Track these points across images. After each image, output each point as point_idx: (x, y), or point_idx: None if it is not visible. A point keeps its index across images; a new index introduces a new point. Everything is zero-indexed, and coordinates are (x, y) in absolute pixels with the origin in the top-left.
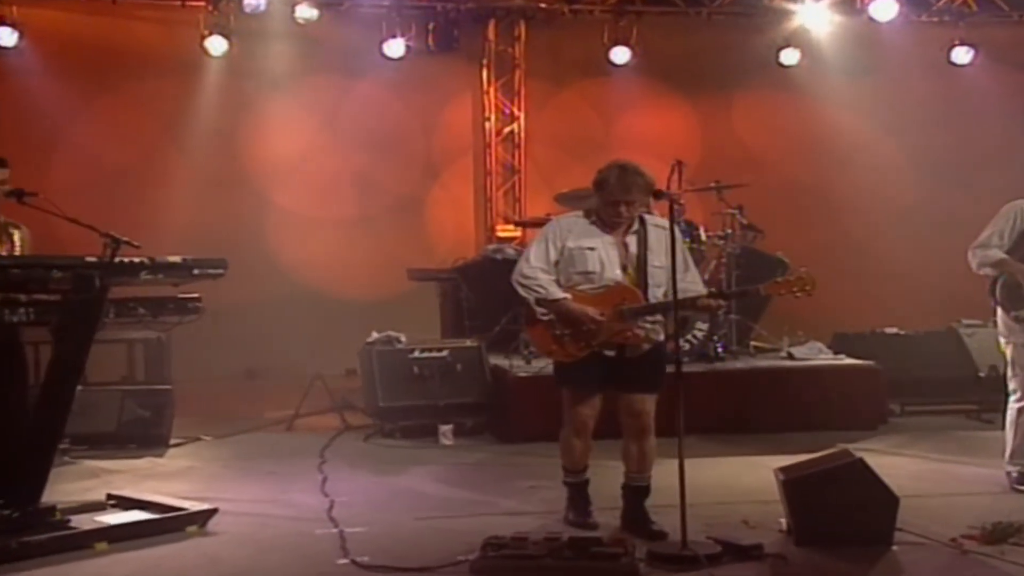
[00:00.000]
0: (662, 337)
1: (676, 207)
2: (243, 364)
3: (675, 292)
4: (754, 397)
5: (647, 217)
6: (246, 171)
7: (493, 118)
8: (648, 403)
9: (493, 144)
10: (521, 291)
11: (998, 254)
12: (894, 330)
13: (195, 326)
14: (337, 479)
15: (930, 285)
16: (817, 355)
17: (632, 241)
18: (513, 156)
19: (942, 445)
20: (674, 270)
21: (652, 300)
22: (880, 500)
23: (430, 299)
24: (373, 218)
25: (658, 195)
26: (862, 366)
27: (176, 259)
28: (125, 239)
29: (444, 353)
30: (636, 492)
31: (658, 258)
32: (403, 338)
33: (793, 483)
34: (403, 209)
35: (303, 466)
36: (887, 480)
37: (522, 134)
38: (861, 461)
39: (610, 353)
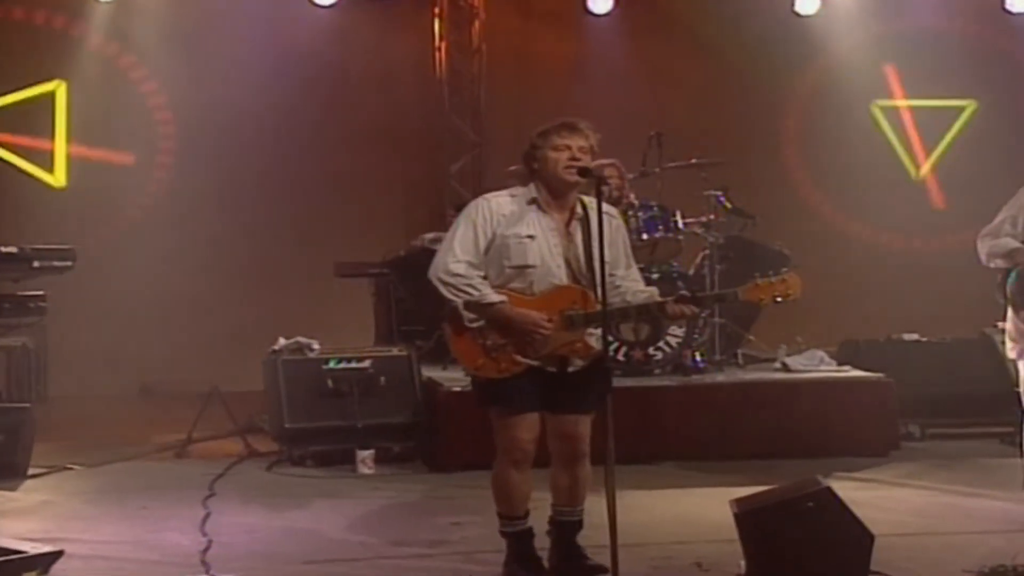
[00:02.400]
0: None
1: (606, 187)
2: (136, 379)
3: (603, 293)
4: (739, 417)
5: (590, 201)
6: None
7: (446, 80)
8: (584, 425)
9: (446, 111)
10: (444, 291)
11: (1011, 243)
12: (914, 337)
13: (79, 334)
14: (222, 516)
15: (959, 283)
16: (817, 366)
17: (576, 229)
18: (471, 126)
19: (961, 475)
20: (603, 266)
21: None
22: (851, 537)
23: (363, 300)
24: (296, 200)
25: (583, 173)
26: (871, 379)
27: (11, 249)
28: None
29: (366, 364)
30: (567, 528)
31: (605, 252)
32: (316, 345)
33: (747, 516)
34: (334, 189)
35: (185, 500)
36: (883, 514)
37: (481, 99)
38: (829, 491)
39: (551, 368)
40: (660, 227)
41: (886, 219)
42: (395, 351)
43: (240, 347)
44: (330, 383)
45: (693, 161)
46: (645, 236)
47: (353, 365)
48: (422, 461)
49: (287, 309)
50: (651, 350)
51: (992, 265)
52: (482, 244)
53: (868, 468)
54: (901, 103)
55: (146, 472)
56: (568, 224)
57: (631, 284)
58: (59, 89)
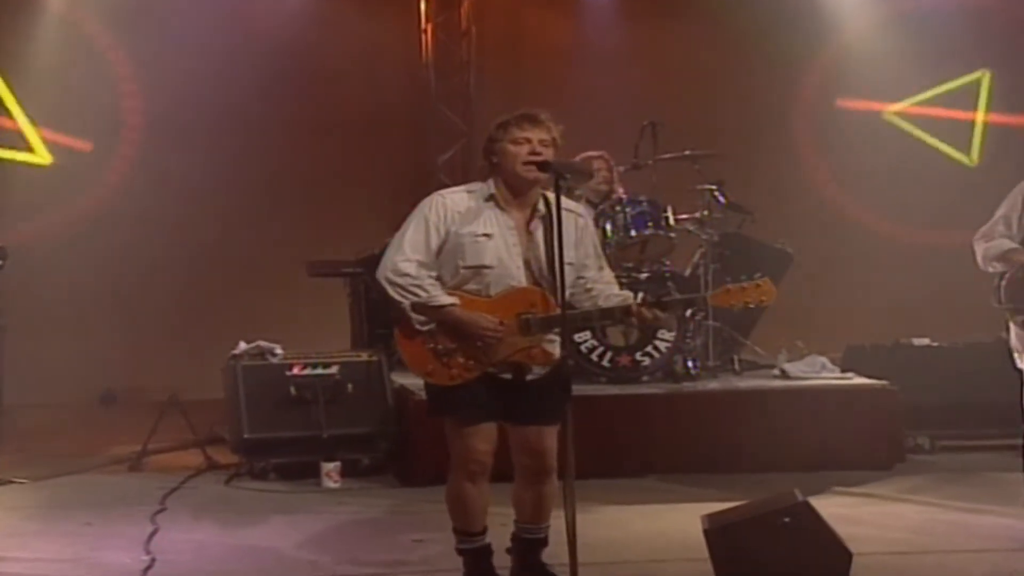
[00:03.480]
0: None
1: (564, 182)
2: (97, 386)
3: (562, 294)
4: (732, 427)
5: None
6: None
7: (433, 64)
8: (550, 438)
9: (433, 98)
10: (392, 292)
11: (1006, 243)
12: (924, 341)
13: (35, 338)
14: (171, 533)
15: (972, 284)
16: (818, 372)
17: (538, 228)
18: (459, 114)
19: (968, 490)
20: (562, 267)
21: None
22: (827, 555)
23: (341, 301)
24: (270, 193)
25: (543, 167)
26: (874, 387)
27: None
28: None
29: (332, 370)
30: (531, 546)
31: (568, 251)
32: (278, 350)
33: (718, 532)
34: (310, 182)
35: (133, 516)
36: (877, 531)
37: (471, 86)
38: (805, 505)
39: (507, 376)
40: (650, 223)
41: (902, 213)
42: (364, 356)
43: (208, 351)
44: (293, 390)
45: (686, 152)
46: (634, 233)
47: (319, 371)
48: (394, 474)
49: (259, 311)
50: (639, 355)
51: (989, 269)
52: (434, 243)
53: (869, 482)
54: (918, 98)
55: (96, 486)
56: (529, 222)
57: (603, 287)
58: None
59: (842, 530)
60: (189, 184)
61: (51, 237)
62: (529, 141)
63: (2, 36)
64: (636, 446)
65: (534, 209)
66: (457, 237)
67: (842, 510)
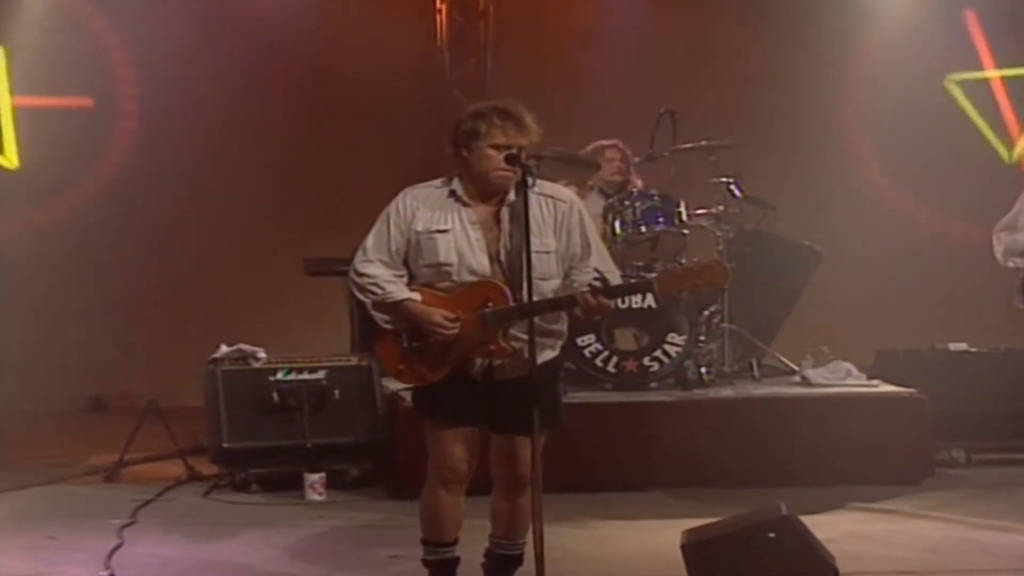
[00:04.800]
0: (555, 353)
1: (532, 177)
2: (86, 392)
3: (529, 289)
4: (746, 438)
5: (533, 184)
6: None
7: (447, 47)
8: (525, 448)
9: (447, 83)
10: (355, 291)
11: None
12: (962, 346)
13: (23, 341)
14: (136, 547)
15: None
16: (843, 380)
17: (506, 216)
18: (476, 99)
19: (995, 506)
20: (528, 259)
21: (536, 298)
22: (809, 573)
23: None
24: (269, 184)
25: (510, 159)
26: (902, 395)
27: None
28: None
29: (319, 375)
30: (504, 563)
31: (543, 240)
32: (261, 353)
33: (694, 548)
34: (313, 172)
35: (100, 530)
36: (889, 550)
37: (488, 70)
38: (790, 520)
39: (476, 376)
40: (660, 219)
41: (943, 208)
42: (355, 360)
43: (205, 356)
44: (276, 397)
45: (703, 143)
46: (644, 229)
47: (304, 376)
48: (383, 487)
49: (258, 312)
50: (647, 360)
51: (1010, 264)
52: (396, 241)
53: (892, 498)
54: (985, 74)
55: (67, 497)
56: (496, 214)
57: (580, 277)
58: None
59: (850, 547)
60: (185, 178)
61: (35, 234)
62: (509, 148)
63: None
64: (642, 458)
65: (502, 200)
66: (416, 235)
67: (855, 526)
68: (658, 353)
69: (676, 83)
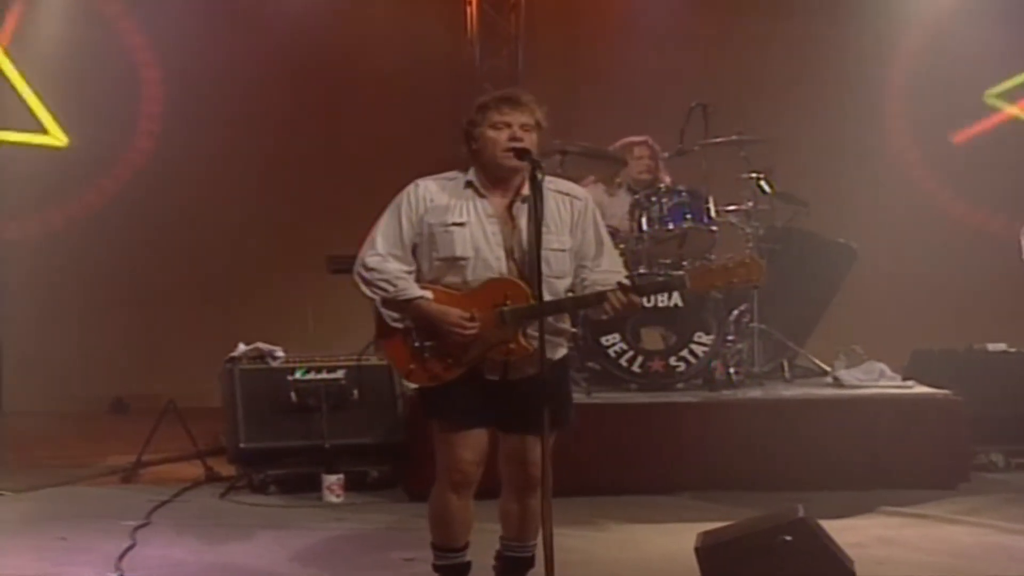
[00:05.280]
0: (566, 351)
1: (541, 172)
2: (108, 392)
3: (539, 284)
4: (774, 440)
5: (547, 179)
6: None
7: (478, 39)
8: (536, 448)
9: (478, 75)
10: (364, 288)
11: None
12: (1001, 347)
13: (45, 339)
14: (148, 548)
15: None
16: (875, 380)
17: (521, 212)
18: None
19: None
20: (538, 257)
21: (549, 298)
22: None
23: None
24: (298, 184)
25: (521, 155)
26: (936, 397)
27: None
28: None
29: (338, 375)
30: (515, 565)
31: (559, 237)
32: (279, 352)
33: (709, 551)
34: (340, 168)
35: (112, 531)
36: (916, 555)
37: (519, 62)
38: (805, 522)
39: (492, 376)
40: (688, 215)
41: (986, 203)
42: (374, 360)
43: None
44: (293, 396)
45: (733, 137)
46: (671, 226)
47: (323, 376)
48: (403, 488)
49: (284, 310)
50: (673, 360)
51: None
52: (408, 235)
53: (925, 502)
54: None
55: (82, 498)
56: (511, 207)
57: (597, 276)
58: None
59: (878, 552)
60: (209, 173)
61: (55, 235)
62: (509, 126)
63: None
64: (667, 460)
65: (517, 194)
66: (430, 227)
67: (884, 531)
68: (685, 353)
69: (708, 77)
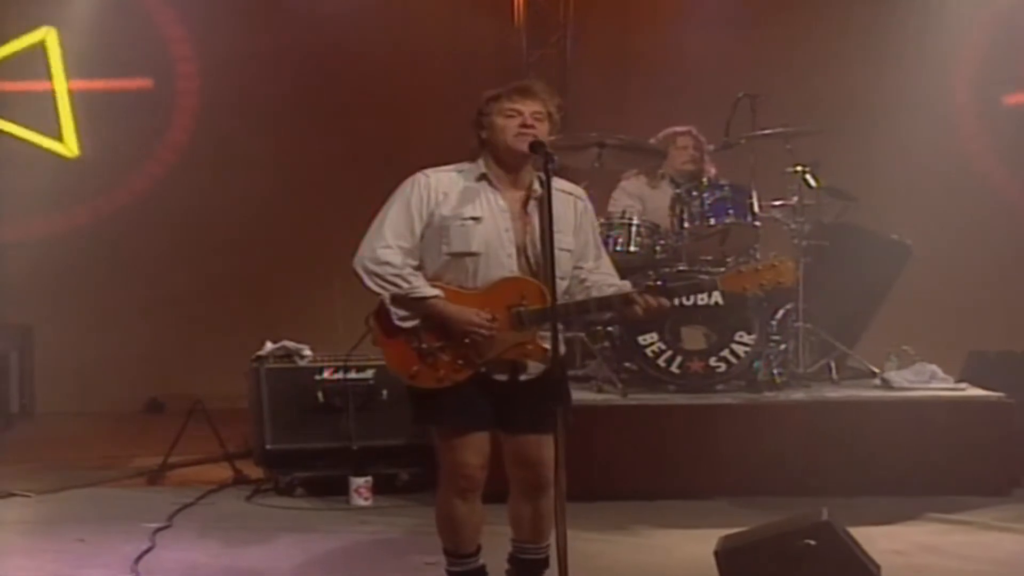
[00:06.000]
0: (564, 349)
1: (553, 164)
2: (144, 393)
3: (553, 283)
4: (817, 444)
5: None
6: None
7: (525, 27)
8: (548, 447)
9: (524, 65)
10: (369, 282)
11: None
12: None
13: (79, 338)
14: (166, 551)
15: None
16: (926, 383)
17: (534, 211)
18: (555, 84)
19: None
20: (551, 253)
21: (562, 299)
22: None
23: None
24: (336, 181)
25: (534, 147)
26: (989, 400)
27: None
28: None
29: (366, 374)
30: (529, 568)
31: (566, 237)
32: (307, 351)
33: (727, 555)
34: (382, 165)
35: (132, 533)
36: (956, 562)
37: (568, 51)
38: (829, 526)
39: (501, 377)
40: (730, 211)
41: None
42: None
43: None
44: (320, 396)
45: (778, 129)
46: (713, 221)
47: (351, 375)
48: (434, 490)
49: (318, 309)
50: (713, 361)
51: None
52: (417, 228)
53: (973, 509)
54: None
55: (106, 500)
56: (525, 205)
57: (600, 277)
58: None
59: (918, 560)
60: (246, 169)
61: (89, 226)
62: (520, 113)
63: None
64: (706, 464)
65: (529, 190)
66: (442, 220)
67: (928, 538)
68: (725, 353)
69: (758, 66)
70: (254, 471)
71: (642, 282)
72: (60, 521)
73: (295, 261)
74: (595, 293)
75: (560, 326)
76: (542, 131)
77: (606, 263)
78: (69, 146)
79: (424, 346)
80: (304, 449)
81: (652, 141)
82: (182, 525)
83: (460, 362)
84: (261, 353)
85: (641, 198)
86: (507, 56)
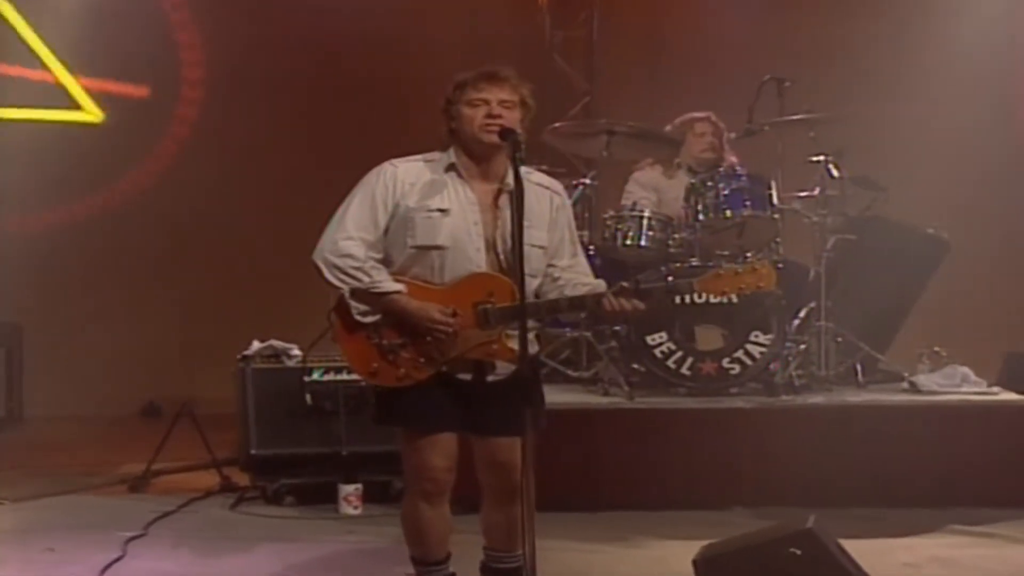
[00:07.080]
0: (536, 347)
1: (521, 153)
2: (140, 396)
3: (522, 287)
4: (838, 451)
5: (524, 170)
6: None
7: (548, 8)
8: (519, 450)
9: (548, 48)
10: (329, 275)
11: None
12: None
13: (71, 339)
14: (137, 561)
15: None
16: (956, 386)
17: (506, 205)
18: (581, 68)
19: None
20: (520, 253)
21: (532, 297)
22: None
23: None
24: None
25: (504, 135)
26: (1021, 405)
27: None
28: None
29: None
30: None
31: (539, 233)
32: (295, 351)
33: (705, 563)
34: (390, 151)
35: (104, 542)
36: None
37: (595, 33)
38: (815, 534)
39: (465, 376)
40: (748, 202)
41: None
42: None
43: None
44: (309, 399)
45: (800, 116)
46: (729, 213)
47: (342, 377)
48: None
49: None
50: (726, 362)
51: None
52: (382, 220)
53: (998, 521)
54: None
55: (83, 508)
56: (496, 198)
57: (572, 276)
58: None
59: (931, 572)
60: (250, 159)
61: (84, 226)
62: (487, 103)
63: None
64: (719, 472)
65: (502, 182)
66: (407, 211)
67: (944, 551)
68: (739, 354)
69: (791, 50)
70: (243, 478)
71: (653, 278)
72: (32, 529)
73: (295, 261)
74: (568, 292)
75: (529, 324)
76: (511, 120)
77: (582, 262)
78: (91, 112)
79: (384, 343)
80: (291, 454)
81: (669, 128)
82: (158, 534)
83: (421, 360)
84: (247, 352)
85: (656, 189)
86: (530, 38)
